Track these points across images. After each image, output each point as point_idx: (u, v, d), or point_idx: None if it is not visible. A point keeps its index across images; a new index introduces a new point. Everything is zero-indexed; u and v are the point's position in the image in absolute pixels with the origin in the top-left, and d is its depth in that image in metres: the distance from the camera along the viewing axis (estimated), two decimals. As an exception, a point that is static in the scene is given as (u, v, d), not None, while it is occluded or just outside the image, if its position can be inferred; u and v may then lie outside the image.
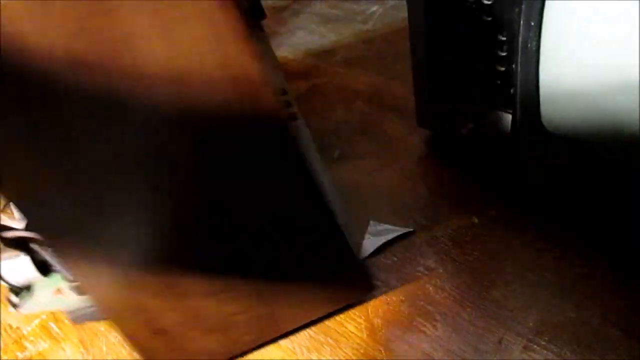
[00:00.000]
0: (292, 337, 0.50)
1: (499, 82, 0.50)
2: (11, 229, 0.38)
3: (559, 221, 0.54)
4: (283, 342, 0.50)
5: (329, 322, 0.51)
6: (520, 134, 0.53)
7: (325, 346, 0.49)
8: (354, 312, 0.51)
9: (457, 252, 0.53)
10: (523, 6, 0.43)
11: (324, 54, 0.84)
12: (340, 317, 0.51)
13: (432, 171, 0.62)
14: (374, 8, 0.90)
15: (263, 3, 1.00)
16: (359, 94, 0.75)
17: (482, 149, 0.59)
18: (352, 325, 0.50)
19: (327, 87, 0.78)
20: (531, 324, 0.47)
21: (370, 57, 0.81)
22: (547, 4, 0.42)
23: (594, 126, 0.44)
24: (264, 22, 0.73)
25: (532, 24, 0.43)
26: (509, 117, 0.52)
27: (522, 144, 0.53)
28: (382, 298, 0.51)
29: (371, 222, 0.57)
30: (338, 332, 0.50)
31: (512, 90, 0.50)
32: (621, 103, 0.41)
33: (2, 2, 0.27)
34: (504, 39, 0.47)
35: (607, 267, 0.49)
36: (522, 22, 0.44)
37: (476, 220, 0.55)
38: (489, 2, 0.46)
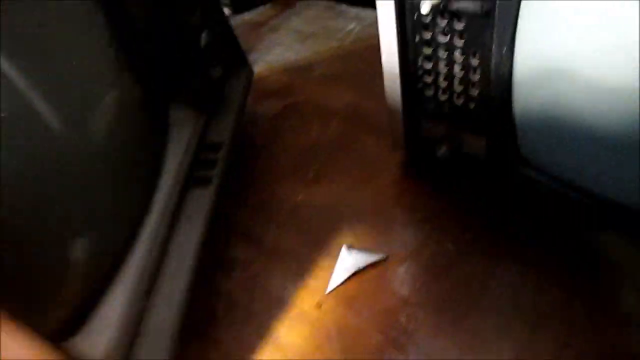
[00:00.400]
0: None
1: (472, 105, 0.49)
2: None
3: (535, 248, 0.52)
4: None
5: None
6: (495, 159, 0.52)
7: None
8: (324, 343, 0.49)
9: (431, 280, 0.51)
10: (495, 30, 0.43)
11: (301, 70, 0.83)
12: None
13: (408, 193, 0.61)
14: (352, 26, 0.89)
15: (241, 18, 0.99)
16: (335, 112, 0.73)
17: (459, 171, 0.58)
18: (322, 356, 0.49)
19: (303, 104, 0.76)
20: (505, 356, 0.45)
21: (347, 74, 0.80)
22: (519, 29, 0.41)
23: (569, 161, 0.43)
24: (241, 38, 0.72)
25: (504, 49, 0.42)
26: (485, 142, 0.51)
27: (496, 169, 0.52)
28: (353, 327, 0.50)
29: (344, 246, 0.55)
30: (308, 365, 0.48)
31: (486, 115, 0.49)
32: (593, 136, 0.40)
33: None
34: (477, 62, 0.46)
35: (586, 296, 0.48)
36: (493, 46, 0.43)
37: (451, 247, 0.53)
38: (461, 25, 0.45)
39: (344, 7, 0.95)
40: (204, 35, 0.60)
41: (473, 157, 0.55)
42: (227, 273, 0.55)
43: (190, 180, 0.56)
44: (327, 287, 0.53)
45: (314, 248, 0.56)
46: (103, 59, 0.49)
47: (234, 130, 0.62)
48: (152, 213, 0.52)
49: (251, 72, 0.72)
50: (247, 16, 1.00)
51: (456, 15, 0.44)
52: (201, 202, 0.55)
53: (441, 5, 0.44)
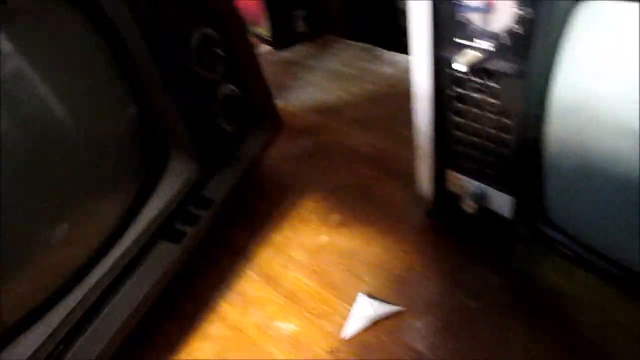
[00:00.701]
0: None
1: (503, 165, 0.49)
2: None
3: (554, 312, 0.51)
4: None
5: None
6: (521, 219, 0.51)
7: None
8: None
9: (448, 337, 0.50)
10: (528, 94, 0.42)
11: (332, 111, 0.84)
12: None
13: (431, 245, 0.60)
14: (387, 70, 0.90)
15: (279, 55, 1.01)
16: (363, 156, 0.74)
17: (483, 227, 0.57)
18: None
19: (331, 146, 0.77)
20: None
21: (378, 119, 0.80)
22: (552, 92, 0.41)
23: (598, 228, 0.43)
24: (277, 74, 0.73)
25: (536, 112, 0.42)
26: (512, 201, 0.51)
27: (522, 229, 0.52)
28: (366, 380, 0.49)
29: (363, 294, 0.55)
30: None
31: (515, 174, 0.48)
32: (624, 209, 0.39)
33: None
34: (510, 122, 0.46)
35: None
36: (526, 109, 0.43)
37: (471, 304, 0.52)
38: (495, 84, 0.45)
39: (380, 50, 0.96)
40: (222, 90, 0.59)
41: (499, 214, 0.54)
42: (244, 309, 0.55)
43: (164, 231, 0.54)
44: (342, 334, 0.52)
45: (333, 292, 0.56)
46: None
47: (231, 189, 0.60)
48: (108, 256, 0.50)
49: (278, 126, 0.70)
50: (286, 54, 1.02)
51: (491, 74, 0.44)
52: (164, 258, 0.52)
53: (476, 64, 0.44)
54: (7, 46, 0.42)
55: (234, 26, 0.61)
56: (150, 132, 0.56)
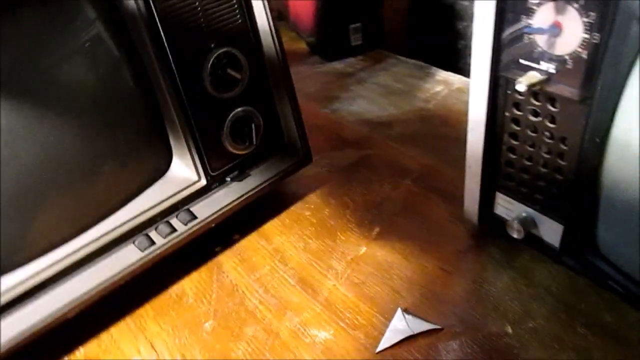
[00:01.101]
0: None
1: (556, 190, 0.48)
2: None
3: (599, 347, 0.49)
4: None
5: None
6: (569, 248, 0.50)
7: None
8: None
9: (483, 361, 0.49)
10: (590, 119, 0.42)
11: (381, 125, 0.84)
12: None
13: (472, 266, 0.59)
14: (439, 88, 0.90)
15: (330, 66, 1.02)
16: (408, 172, 0.73)
17: (529, 253, 0.56)
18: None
19: (377, 159, 0.77)
20: None
21: (426, 136, 0.80)
22: (616, 120, 0.40)
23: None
24: (327, 85, 0.74)
25: (597, 140, 0.41)
26: (561, 228, 0.50)
27: (569, 258, 0.50)
28: (397, 396, 0.48)
29: (400, 309, 0.54)
30: None
31: (567, 202, 0.48)
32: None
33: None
34: (566, 148, 0.45)
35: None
36: (586, 135, 0.42)
37: (510, 330, 0.51)
38: (555, 109, 0.44)
39: (433, 69, 0.96)
40: (234, 111, 0.60)
41: (546, 241, 0.53)
42: (281, 314, 0.55)
43: (134, 233, 0.55)
44: (376, 347, 0.52)
45: (369, 304, 0.55)
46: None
47: (219, 210, 0.60)
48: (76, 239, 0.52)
49: (306, 159, 0.69)
50: (338, 65, 1.03)
51: (552, 98, 0.44)
52: (122, 261, 0.54)
53: (537, 87, 0.43)
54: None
55: (270, 55, 0.62)
56: (158, 131, 0.58)
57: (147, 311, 0.57)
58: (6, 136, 0.46)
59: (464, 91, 0.87)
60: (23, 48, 0.47)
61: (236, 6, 0.58)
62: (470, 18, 0.96)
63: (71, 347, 0.54)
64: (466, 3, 0.96)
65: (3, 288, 0.48)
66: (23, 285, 0.49)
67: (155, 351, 0.53)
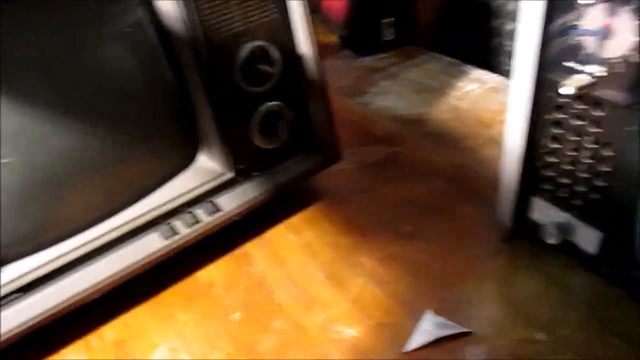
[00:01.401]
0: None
1: (596, 197, 0.47)
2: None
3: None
4: None
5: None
6: (607, 256, 0.49)
7: None
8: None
9: (513, 367, 0.49)
10: (637, 125, 0.41)
11: (412, 122, 0.83)
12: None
13: (504, 270, 0.58)
14: (473, 86, 0.88)
15: (362, 61, 1.02)
16: (440, 171, 0.72)
17: (563, 259, 0.55)
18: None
19: (408, 157, 0.76)
20: None
21: (458, 135, 0.79)
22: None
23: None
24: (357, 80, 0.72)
25: (645, 147, 0.40)
26: (600, 236, 0.48)
27: (606, 267, 0.49)
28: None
29: (429, 311, 0.54)
30: None
31: (608, 209, 0.46)
32: None
33: None
34: (611, 154, 0.44)
35: None
36: (632, 141, 0.41)
37: (540, 337, 0.50)
38: (600, 113, 0.43)
39: (467, 66, 0.94)
40: (265, 105, 0.60)
41: (581, 248, 0.52)
42: (308, 309, 0.55)
43: (160, 223, 0.56)
44: (403, 347, 0.51)
45: (398, 303, 0.55)
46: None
47: (244, 204, 0.60)
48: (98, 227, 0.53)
49: (335, 157, 0.68)
50: (368, 60, 1.02)
51: (597, 102, 0.43)
52: (145, 248, 0.55)
53: (584, 90, 0.42)
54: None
55: (304, 51, 0.61)
56: (187, 121, 0.58)
57: (176, 299, 0.58)
58: (41, 118, 0.47)
59: (498, 90, 0.86)
60: (68, 30, 0.48)
61: (272, 0, 0.57)
62: (505, 16, 0.94)
63: (102, 330, 0.55)
64: (502, 1, 0.94)
65: (36, 264, 0.50)
66: (53, 263, 0.51)
67: (184, 338, 0.54)
